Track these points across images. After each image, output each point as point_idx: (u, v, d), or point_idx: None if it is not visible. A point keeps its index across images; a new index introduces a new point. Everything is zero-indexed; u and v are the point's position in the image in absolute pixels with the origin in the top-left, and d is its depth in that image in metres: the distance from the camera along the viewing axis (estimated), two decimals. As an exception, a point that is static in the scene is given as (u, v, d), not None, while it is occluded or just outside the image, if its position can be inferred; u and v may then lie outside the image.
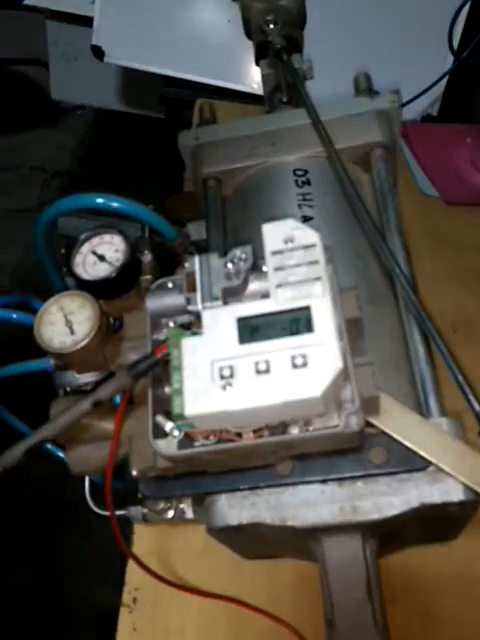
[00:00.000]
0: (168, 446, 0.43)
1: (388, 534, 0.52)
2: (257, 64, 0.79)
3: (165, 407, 0.45)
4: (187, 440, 0.43)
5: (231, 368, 0.39)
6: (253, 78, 1.37)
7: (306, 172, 0.61)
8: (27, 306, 0.59)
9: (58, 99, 2.02)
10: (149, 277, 0.59)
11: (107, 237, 0.49)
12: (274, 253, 0.42)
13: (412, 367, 0.53)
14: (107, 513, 0.57)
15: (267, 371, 0.38)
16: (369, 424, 0.46)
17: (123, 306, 0.50)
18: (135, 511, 0.59)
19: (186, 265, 0.45)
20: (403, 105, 1.26)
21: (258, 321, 0.41)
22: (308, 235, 0.42)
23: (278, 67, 0.73)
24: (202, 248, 0.65)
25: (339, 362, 0.38)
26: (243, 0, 0.80)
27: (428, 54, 1.40)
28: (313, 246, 0.42)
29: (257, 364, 0.39)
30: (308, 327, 0.39)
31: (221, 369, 0.39)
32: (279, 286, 0.41)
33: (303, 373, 0.38)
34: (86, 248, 0.48)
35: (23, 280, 1.89)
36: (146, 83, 1.66)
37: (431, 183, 1.17)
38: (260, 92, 1.33)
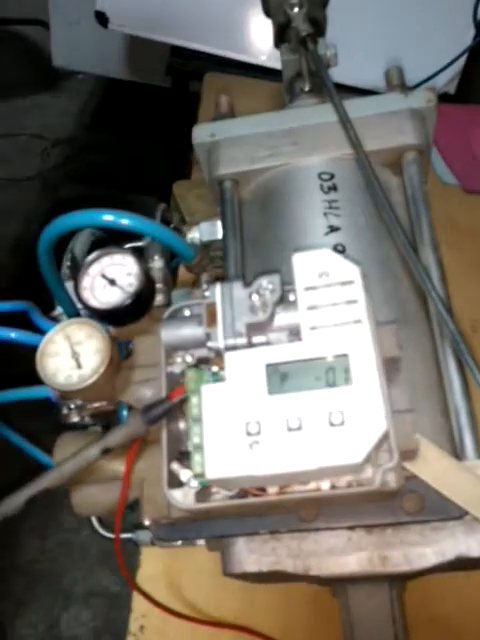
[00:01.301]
0: (184, 498, 0.39)
1: (414, 575, 0.48)
2: (276, 47, 0.73)
3: (180, 446, 0.41)
4: (204, 490, 0.39)
5: (259, 423, 0.35)
6: (263, 50, 1.30)
7: (333, 176, 0.56)
8: (27, 318, 0.55)
9: (60, 65, 1.93)
10: (161, 286, 0.54)
11: (118, 258, 0.43)
12: (307, 289, 0.38)
13: (446, 397, 0.49)
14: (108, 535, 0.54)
15: (299, 428, 0.34)
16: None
17: (133, 330, 0.46)
18: (143, 535, 0.56)
19: (206, 293, 0.41)
20: (420, 83, 1.21)
21: (289, 368, 0.36)
22: (347, 269, 0.38)
23: (300, 53, 0.67)
24: (216, 254, 0.61)
25: (384, 423, 0.34)
26: (262, -25, 0.73)
27: (447, 30, 1.33)
28: (352, 283, 0.37)
29: (288, 420, 0.35)
30: (346, 378, 0.35)
31: (247, 424, 0.35)
32: (313, 329, 0.37)
33: (341, 433, 0.34)
34: (95, 270, 0.43)
35: (22, 255, 1.83)
36: (151, 51, 1.58)
37: (449, 169, 1.12)
38: (270, 65, 1.27)
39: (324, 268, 0.38)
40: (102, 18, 1.35)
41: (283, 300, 0.40)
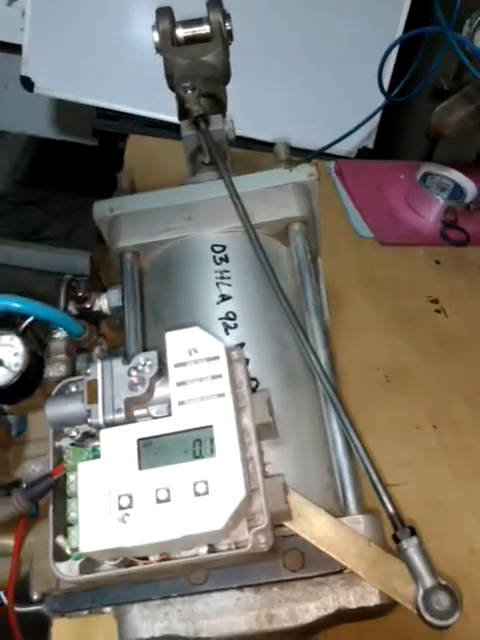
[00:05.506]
0: (69, 569, 0.40)
1: (308, 629, 0.50)
2: (180, 121, 0.77)
3: (68, 519, 0.42)
4: (90, 561, 0.41)
5: (130, 497, 0.37)
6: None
7: (224, 248, 0.59)
8: None
9: (-12, 127, 1.96)
10: (63, 356, 0.56)
11: (5, 339, 0.46)
12: (177, 365, 0.41)
13: (330, 455, 0.52)
14: (21, 609, 0.54)
15: (168, 500, 0.37)
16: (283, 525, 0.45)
17: (27, 405, 0.48)
18: (50, 605, 0.56)
19: (88, 371, 0.43)
20: (339, 140, 1.27)
21: (159, 441, 0.39)
22: (212, 346, 0.41)
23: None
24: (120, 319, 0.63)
25: (242, 491, 0.36)
26: (165, 55, 0.78)
27: (364, 91, 1.41)
28: (217, 358, 0.40)
29: (157, 492, 0.37)
30: (211, 449, 0.38)
31: (119, 498, 0.37)
32: (181, 403, 0.39)
33: (205, 502, 0.36)
34: (-18, 351, 0.46)
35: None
36: (80, 112, 1.62)
37: (365, 223, 1.18)
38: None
39: (193, 345, 0.41)
40: (27, 83, 1.39)
41: (162, 373, 0.43)
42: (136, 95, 1.37)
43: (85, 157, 1.82)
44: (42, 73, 1.38)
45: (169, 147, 1.29)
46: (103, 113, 1.40)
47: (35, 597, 0.43)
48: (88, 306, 0.66)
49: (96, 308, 0.67)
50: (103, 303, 0.66)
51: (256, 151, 1.21)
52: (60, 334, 0.59)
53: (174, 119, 1.38)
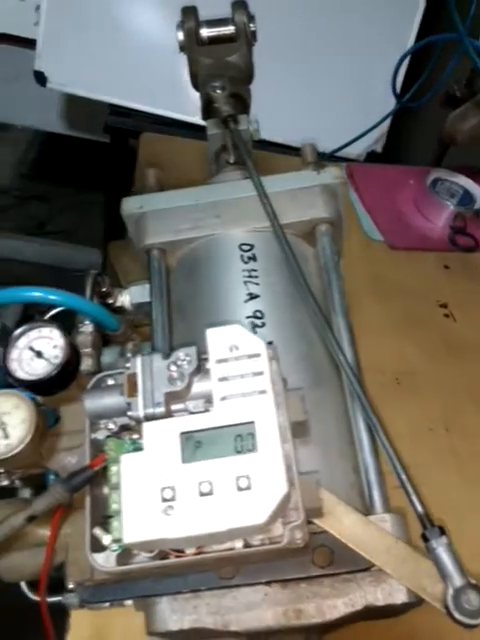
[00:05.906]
0: (106, 560, 0.41)
1: (332, 624, 0.51)
2: (204, 120, 0.78)
3: (103, 511, 0.43)
4: (126, 553, 0.41)
5: (173, 489, 0.37)
6: (200, 108, 1.35)
7: (252, 247, 0.60)
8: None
9: (-2, 121, 1.95)
10: (89, 350, 0.57)
11: (45, 331, 0.46)
12: (219, 361, 0.41)
13: (356, 454, 0.53)
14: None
15: (210, 493, 0.37)
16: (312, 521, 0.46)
17: (61, 397, 0.48)
18: (71, 598, 0.57)
19: (128, 365, 0.44)
20: (349, 143, 1.28)
21: (202, 436, 0.39)
22: (253, 343, 0.41)
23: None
24: (146, 313, 0.63)
25: (284, 487, 0.37)
26: (190, 54, 0.79)
27: (374, 95, 1.42)
28: (258, 356, 0.41)
29: (200, 485, 0.37)
30: (252, 445, 0.38)
31: (163, 490, 0.38)
32: (223, 399, 0.40)
33: (247, 496, 0.37)
34: (23, 342, 0.46)
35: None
36: (91, 108, 1.62)
37: (375, 226, 1.18)
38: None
39: (234, 342, 0.42)
40: (40, 77, 1.39)
41: (200, 369, 0.44)
42: (149, 93, 1.37)
43: (91, 152, 1.81)
44: (56, 68, 1.38)
45: (182, 144, 1.30)
46: (115, 110, 1.40)
47: (70, 586, 0.44)
48: (110, 301, 0.67)
49: (118, 303, 0.67)
50: (125, 299, 0.67)
51: (267, 152, 1.22)
52: (86, 328, 0.60)
53: (187, 117, 1.39)
